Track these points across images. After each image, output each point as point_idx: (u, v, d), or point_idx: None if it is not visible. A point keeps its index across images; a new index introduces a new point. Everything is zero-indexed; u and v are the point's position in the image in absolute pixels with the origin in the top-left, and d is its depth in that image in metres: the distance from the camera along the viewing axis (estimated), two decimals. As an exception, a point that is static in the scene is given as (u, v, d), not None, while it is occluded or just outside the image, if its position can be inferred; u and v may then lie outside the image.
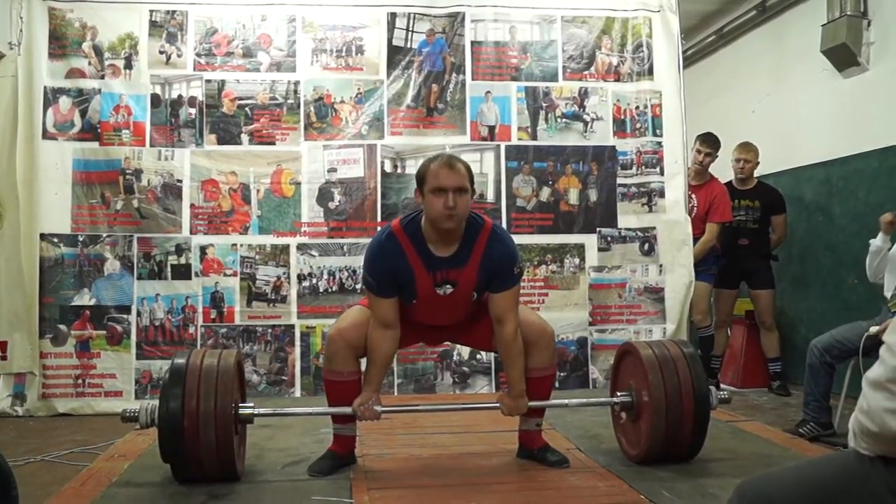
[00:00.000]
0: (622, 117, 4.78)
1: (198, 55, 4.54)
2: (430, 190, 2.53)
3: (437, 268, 2.63)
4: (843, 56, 4.75)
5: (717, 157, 5.01)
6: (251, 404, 2.78)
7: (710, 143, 4.97)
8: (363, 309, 2.79)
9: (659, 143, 4.76)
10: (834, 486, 1.32)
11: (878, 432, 1.23)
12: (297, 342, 4.47)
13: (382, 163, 4.58)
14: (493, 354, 4.34)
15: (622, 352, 3.04)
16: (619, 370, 3.06)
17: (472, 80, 4.68)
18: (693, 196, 4.86)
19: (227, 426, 2.53)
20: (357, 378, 2.75)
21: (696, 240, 4.74)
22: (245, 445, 2.85)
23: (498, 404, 2.78)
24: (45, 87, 4.41)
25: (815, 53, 4.94)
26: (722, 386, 5.20)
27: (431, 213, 2.55)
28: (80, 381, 4.33)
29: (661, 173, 4.74)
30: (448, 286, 2.65)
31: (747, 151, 5.07)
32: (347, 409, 2.71)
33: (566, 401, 3.18)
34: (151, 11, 4.51)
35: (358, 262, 4.30)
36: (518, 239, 4.31)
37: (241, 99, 4.55)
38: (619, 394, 2.96)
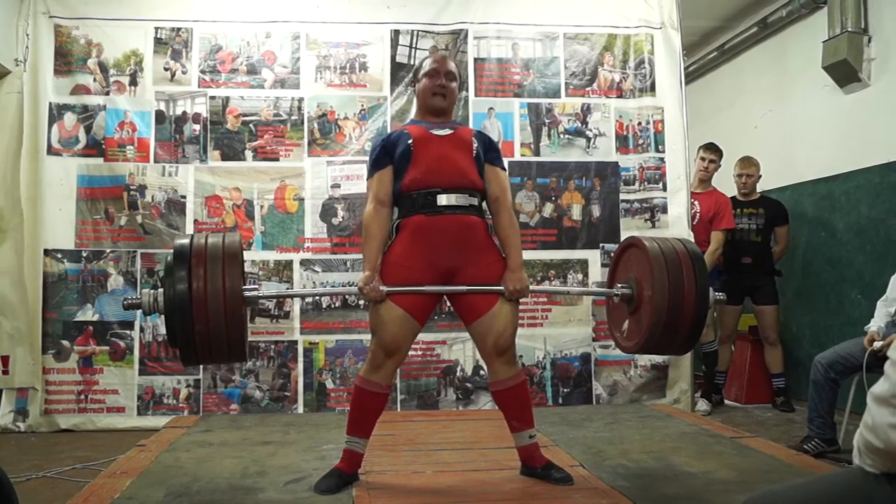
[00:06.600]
0: (624, 133, 4.79)
1: (202, 72, 4.58)
2: (424, 74, 2.86)
3: (431, 126, 2.83)
4: (845, 72, 4.78)
5: (720, 165, 5.05)
6: (255, 286, 2.69)
7: (713, 149, 5.05)
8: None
9: (661, 159, 4.77)
10: (839, 504, 1.31)
11: (883, 448, 1.23)
12: (301, 358, 4.47)
13: (385, 179, 4.59)
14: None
15: (625, 245, 2.98)
16: (619, 264, 3.01)
17: (475, 96, 4.70)
18: (696, 202, 4.86)
19: (237, 304, 2.42)
20: (388, 395, 2.79)
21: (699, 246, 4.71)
22: (247, 331, 2.71)
23: (501, 287, 2.71)
24: (50, 104, 4.45)
25: (817, 69, 4.97)
26: (726, 401, 5.20)
27: (423, 94, 2.86)
28: (82, 396, 4.34)
29: (664, 189, 4.74)
30: (447, 129, 2.82)
31: (749, 166, 5.09)
32: (353, 289, 2.76)
33: (567, 288, 3.16)
34: (156, 28, 4.55)
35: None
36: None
37: (245, 115, 4.58)
38: (619, 285, 2.91)
